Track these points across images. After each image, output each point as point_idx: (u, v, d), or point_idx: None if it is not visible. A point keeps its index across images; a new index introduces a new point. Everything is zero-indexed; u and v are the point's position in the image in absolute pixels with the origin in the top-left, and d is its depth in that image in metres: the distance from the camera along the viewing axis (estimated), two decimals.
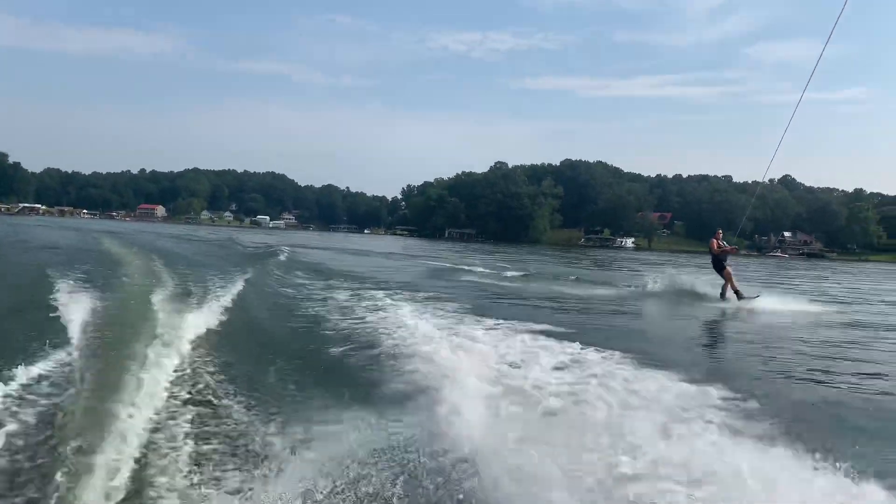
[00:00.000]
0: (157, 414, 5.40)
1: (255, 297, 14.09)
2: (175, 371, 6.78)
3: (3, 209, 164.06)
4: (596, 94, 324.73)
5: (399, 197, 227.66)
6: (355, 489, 4.29)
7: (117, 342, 7.59)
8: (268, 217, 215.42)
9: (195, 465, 4.58)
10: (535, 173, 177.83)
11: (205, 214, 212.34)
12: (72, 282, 13.03)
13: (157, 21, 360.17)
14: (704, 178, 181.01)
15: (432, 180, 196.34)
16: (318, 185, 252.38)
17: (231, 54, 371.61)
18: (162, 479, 4.30)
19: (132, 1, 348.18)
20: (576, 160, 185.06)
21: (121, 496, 4.03)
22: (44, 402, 5.45)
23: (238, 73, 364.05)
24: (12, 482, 4.10)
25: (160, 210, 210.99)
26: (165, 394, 5.99)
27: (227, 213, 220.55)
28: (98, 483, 4.08)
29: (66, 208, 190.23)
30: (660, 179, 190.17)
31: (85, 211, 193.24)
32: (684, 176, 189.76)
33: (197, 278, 15.95)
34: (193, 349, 7.91)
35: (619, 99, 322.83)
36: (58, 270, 15.00)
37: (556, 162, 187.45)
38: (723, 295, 18.73)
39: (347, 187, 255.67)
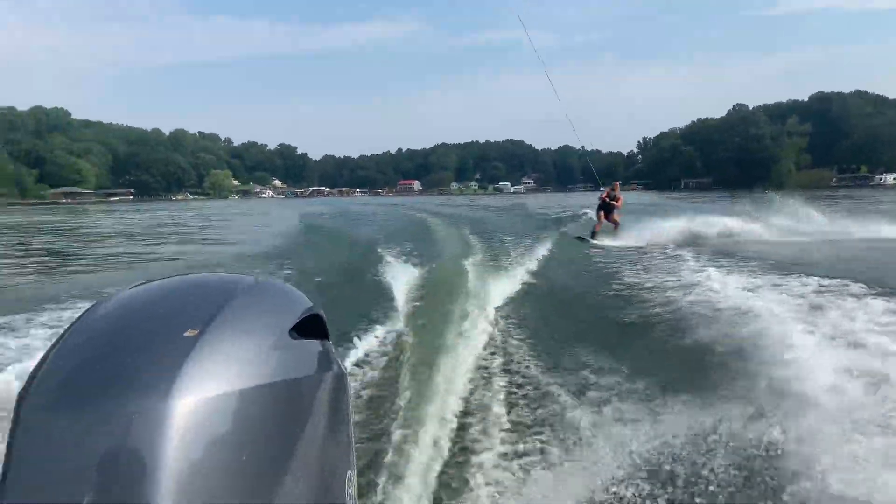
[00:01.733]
0: (470, 382, 5.75)
1: (560, 262, 14.04)
2: (486, 338, 7.13)
3: (298, 192, 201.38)
4: (858, 8, 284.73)
5: (635, 151, 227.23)
6: (659, 478, 3.93)
7: (435, 312, 8.16)
8: (508, 183, 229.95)
9: (506, 432, 4.78)
10: (780, 112, 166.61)
11: (454, 185, 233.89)
12: (395, 254, 14.31)
13: (399, 8, 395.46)
14: None
15: (667, 130, 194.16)
16: (554, 147, 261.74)
17: (465, 29, 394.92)
18: (477, 444, 4.56)
19: None
20: (828, 93, 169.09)
21: (444, 455, 4.34)
22: (376, 370, 6.11)
23: (473, 48, 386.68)
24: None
25: (416, 184, 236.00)
26: (476, 360, 6.32)
27: (473, 182, 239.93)
28: (424, 442, 4.44)
29: (343, 189, 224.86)
30: None
31: (358, 190, 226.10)
32: None
33: (502, 245, 16.61)
34: (502, 317, 8.25)
35: (888, 12, 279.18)
36: (384, 244, 16.68)
37: (803, 97, 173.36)
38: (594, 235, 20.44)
39: (583, 146, 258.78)
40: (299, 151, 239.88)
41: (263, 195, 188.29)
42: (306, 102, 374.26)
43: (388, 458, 4.22)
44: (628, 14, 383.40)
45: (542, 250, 15.03)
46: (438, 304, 8.57)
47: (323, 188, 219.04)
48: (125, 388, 0.78)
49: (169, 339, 0.85)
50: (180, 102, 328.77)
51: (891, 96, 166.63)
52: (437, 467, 4.21)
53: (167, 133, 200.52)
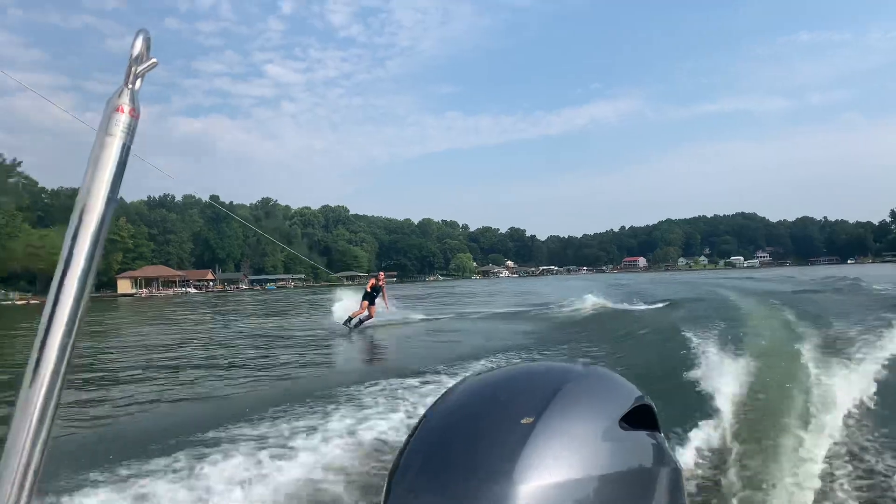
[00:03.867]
0: (816, 493, 5.03)
1: None
2: (832, 442, 6.17)
3: (529, 272, 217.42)
4: None
5: (888, 220, 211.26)
6: None
7: (767, 406, 7.44)
8: (741, 258, 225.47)
9: None
10: None
11: (681, 261, 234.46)
12: (706, 339, 13.08)
13: (619, 88, 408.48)
14: None
15: None
16: (790, 218, 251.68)
17: (687, 101, 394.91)
18: None
19: (598, 77, 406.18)
20: None
21: None
22: (702, 466, 5.64)
23: (695, 119, 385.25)
24: None
25: (641, 261, 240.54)
26: (823, 466, 5.57)
27: (702, 258, 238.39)
28: None
29: (571, 268, 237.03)
30: None
31: (584, 268, 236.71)
32: None
33: (837, 330, 14.35)
34: (853, 419, 7.16)
35: None
36: (688, 326, 15.58)
37: None
38: (349, 321, 21.19)
39: (825, 217, 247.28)
40: (528, 234, 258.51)
41: (501, 275, 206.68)
42: (530, 185, 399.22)
43: None
44: (875, 69, 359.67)
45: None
46: (770, 398, 7.84)
47: (552, 267, 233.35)
48: (473, 473, 0.86)
49: (508, 427, 0.91)
50: (423, 190, 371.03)
51: None
52: None
53: (416, 222, 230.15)
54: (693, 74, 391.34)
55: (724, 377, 8.89)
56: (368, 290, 21.90)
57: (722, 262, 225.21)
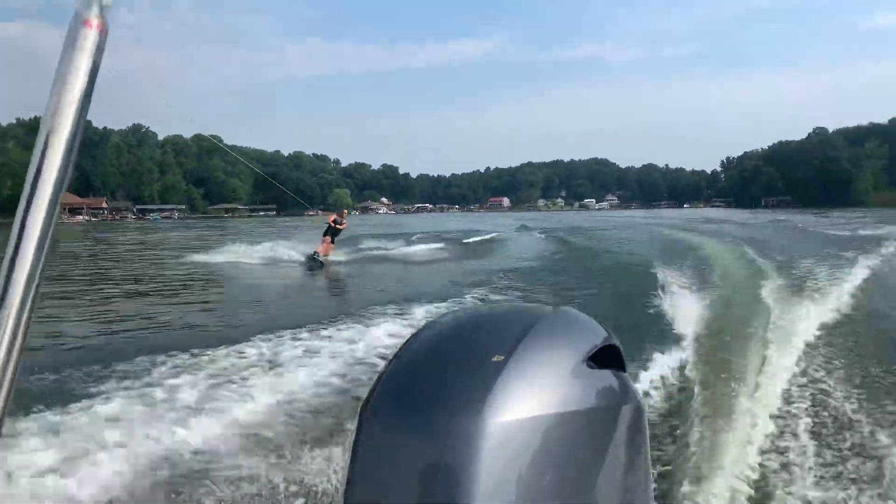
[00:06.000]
0: (774, 419, 5.23)
1: (882, 288, 12.40)
2: (791, 374, 6.44)
3: (406, 209, 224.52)
4: None
5: (718, 170, 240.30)
6: None
7: (727, 341, 7.62)
8: (594, 200, 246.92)
9: (814, 478, 4.34)
10: (859, 135, 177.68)
11: (540, 202, 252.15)
12: (671, 274, 13.56)
13: (485, 25, 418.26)
14: None
15: (750, 151, 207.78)
16: (637, 165, 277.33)
17: (548, 45, 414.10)
18: (780, 493, 4.15)
19: (466, 9, 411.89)
20: None
21: (742, 496, 4.08)
22: (664, 402, 5.76)
23: (555, 63, 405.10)
24: None
25: (505, 201, 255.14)
26: (780, 398, 5.77)
27: (559, 200, 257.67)
28: (720, 484, 4.13)
29: (443, 206, 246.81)
30: None
31: (457, 206, 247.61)
32: None
33: (797, 267, 14.75)
34: (809, 349, 7.43)
35: None
36: (659, 263, 15.98)
37: (884, 120, 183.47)
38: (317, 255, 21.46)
39: (667, 164, 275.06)
40: (401, 171, 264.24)
41: (379, 211, 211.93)
42: (398, 120, 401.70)
43: (685, 494, 4.07)
44: (722, 26, 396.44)
45: (861, 272, 13.51)
46: (731, 333, 8.03)
47: (427, 205, 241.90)
48: (444, 408, 0.90)
49: (480, 364, 0.94)
50: (288, 121, 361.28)
51: None
52: None
53: (286, 154, 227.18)
54: (557, 17, 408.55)
55: (684, 310, 9.46)
56: (331, 223, 22.57)
57: (577, 204, 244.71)
